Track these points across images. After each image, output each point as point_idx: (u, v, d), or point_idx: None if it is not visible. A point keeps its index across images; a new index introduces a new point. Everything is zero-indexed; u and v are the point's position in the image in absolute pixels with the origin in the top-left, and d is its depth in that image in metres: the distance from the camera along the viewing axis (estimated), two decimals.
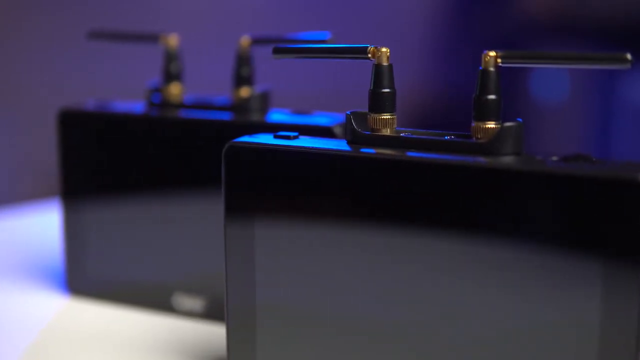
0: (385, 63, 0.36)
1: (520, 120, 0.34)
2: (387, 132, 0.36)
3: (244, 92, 0.49)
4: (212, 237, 0.49)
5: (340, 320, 0.37)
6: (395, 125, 0.37)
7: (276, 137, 0.38)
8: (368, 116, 0.37)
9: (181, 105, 0.51)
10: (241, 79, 0.49)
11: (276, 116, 0.48)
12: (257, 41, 0.49)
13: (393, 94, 0.36)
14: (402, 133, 0.36)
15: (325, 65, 0.70)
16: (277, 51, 0.39)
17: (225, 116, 0.49)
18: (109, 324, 0.50)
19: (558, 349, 0.32)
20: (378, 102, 0.36)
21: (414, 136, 0.35)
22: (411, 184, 0.34)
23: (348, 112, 0.37)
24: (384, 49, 0.36)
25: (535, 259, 0.32)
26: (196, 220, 0.50)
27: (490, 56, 0.34)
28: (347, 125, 0.37)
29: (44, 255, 0.63)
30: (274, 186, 0.37)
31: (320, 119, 0.46)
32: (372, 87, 0.36)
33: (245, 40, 0.49)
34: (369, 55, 0.36)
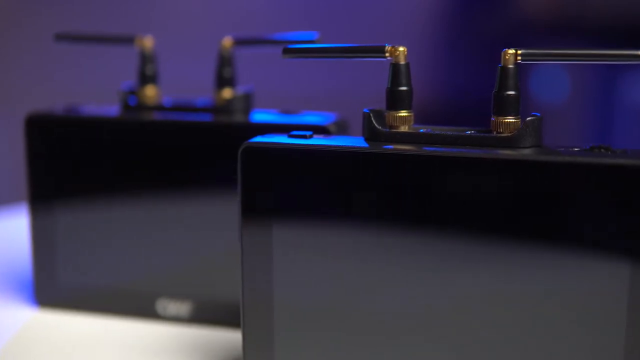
0: (402, 62, 0.37)
1: (539, 114, 0.36)
2: (405, 129, 0.37)
3: (227, 93, 0.49)
4: (194, 239, 0.49)
5: (361, 319, 0.38)
6: (412, 123, 0.37)
7: (291, 136, 0.38)
8: (386, 114, 0.37)
9: (159, 108, 0.50)
10: (223, 80, 0.49)
11: (265, 116, 0.48)
12: (239, 42, 0.49)
13: (410, 91, 0.37)
14: (421, 129, 0.37)
15: (300, 67, 0.71)
16: (287, 51, 0.39)
17: (207, 117, 0.49)
18: (88, 334, 0.49)
19: (585, 340, 0.34)
20: (396, 100, 0.37)
21: (436, 132, 0.36)
22: (441, 179, 0.35)
23: (366, 110, 0.38)
24: (401, 48, 0.37)
25: (564, 250, 0.34)
26: (176, 223, 0.49)
27: (510, 54, 0.35)
28: (365, 123, 0.38)
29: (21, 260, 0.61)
30: (294, 186, 0.37)
31: (312, 118, 0.46)
32: (389, 86, 0.37)
33: (227, 41, 0.49)
34: (387, 55, 0.37)
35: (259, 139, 0.38)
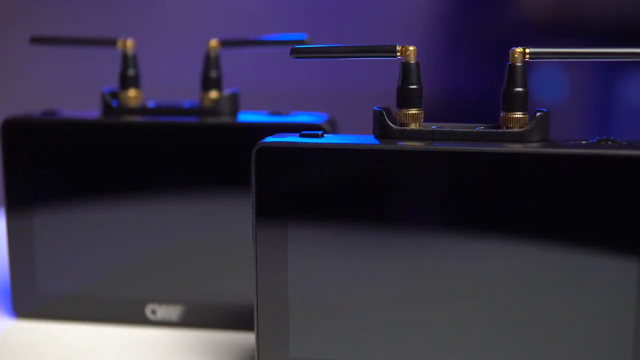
0: (412, 61, 0.38)
1: (545, 110, 0.37)
2: (415, 126, 0.38)
3: (213, 94, 0.49)
4: (181, 242, 0.48)
5: (376, 317, 0.38)
6: (422, 120, 0.39)
7: (302, 135, 0.39)
8: (396, 111, 0.38)
9: (142, 110, 0.49)
10: (210, 82, 0.49)
11: (259, 117, 0.48)
12: (225, 43, 0.48)
13: (420, 90, 0.38)
14: (432, 126, 0.38)
15: (281, 68, 0.71)
16: (295, 51, 0.39)
17: (193, 119, 0.48)
18: (72, 343, 0.47)
19: (593, 333, 0.36)
20: (406, 98, 0.38)
21: (447, 129, 0.38)
22: (459, 175, 0.36)
23: (377, 108, 0.38)
24: (411, 48, 0.38)
25: (574, 242, 0.36)
26: (161, 226, 0.48)
27: (518, 52, 0.37)
28: (376, 121, 0.38)
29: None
30: (309, 185, 0.38)
31: (305, 118, 0.47)
32: (400, 84, 0.38)
33: (213, 42, 0.48)
34: (398, 54, 0.38)
35: (270, 139, 0.38)
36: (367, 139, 0.38)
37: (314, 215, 0.38)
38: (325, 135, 0.39)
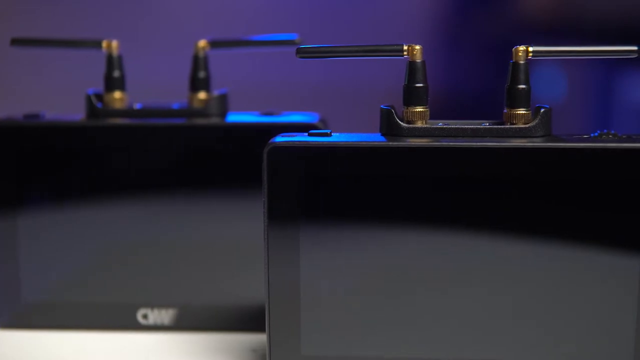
0: (419, 60, 0.39)
1: (547, 106, 0.39)
2: (422, 124, 0.39)
3: (202, 95, 0.48)
4: (170, 244, 0.48)
5: (389, 316, 0.39)
6: (428, 117, 0.39)
7: (311, 134, 0.39)
8: (402, 109, 0.39)
9: (129, 112, 0.48)
10: (198, 83, 0.48)
11: (248, 117, 0.48)
12: (214, 44, 0.48)
13: (426, 88, 0.39)
14: (438, 123, 0.39)
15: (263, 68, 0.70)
16: (301, 51, 0.39)
17: (182, 121, 0.48)
18: (60, 352, 0.46)
19: (595, 328, 0.37)
20: (412, 96, 0.39)
21: (455, 126, 0.39)
22: (475, 171, 0.37)
23: (384, 106, 0.39)
24: (417, 47, 0.39)
25: (581, 236, 0.37)
26: (150, 228, 0.48)
27: (521, 50, 0.38)
28: (383, 119, 0.39)
29: None
30: (321, 184, 0.38)
31: (299, 117, 0.47)
32: (406, 82, 0.39)
33: (202, 42, 0.48)
34: (404, 53, 0.38)
35: (280, 139, 0.39)
36: (375, 137, 0.39)
37: (326, 214, 0.38)
38: (333, 134, 0.39)
